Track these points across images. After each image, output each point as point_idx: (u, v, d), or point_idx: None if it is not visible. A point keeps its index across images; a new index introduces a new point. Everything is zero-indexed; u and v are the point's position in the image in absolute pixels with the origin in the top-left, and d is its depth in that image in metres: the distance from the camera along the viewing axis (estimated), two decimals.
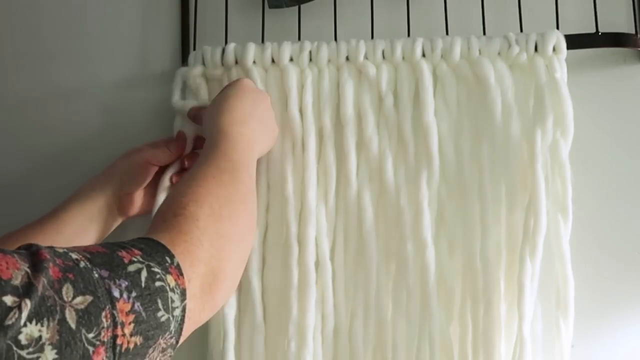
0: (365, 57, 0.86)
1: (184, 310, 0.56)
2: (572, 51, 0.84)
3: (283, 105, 0.87)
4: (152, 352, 0.53)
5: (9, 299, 0.45)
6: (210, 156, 0.72)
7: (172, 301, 0.55)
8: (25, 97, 0.97)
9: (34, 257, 0.49)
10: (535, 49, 0.83)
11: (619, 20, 0.88)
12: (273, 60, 0.87)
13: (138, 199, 0.85)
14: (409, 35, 0.89)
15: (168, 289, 0.55)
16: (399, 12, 0.91)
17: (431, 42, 0.85)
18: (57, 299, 0.48)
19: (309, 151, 0.84)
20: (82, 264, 0.51)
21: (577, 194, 0.81)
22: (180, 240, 0.60)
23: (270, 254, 0.85)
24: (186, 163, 0.86)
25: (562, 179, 0.81)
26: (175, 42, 0.95)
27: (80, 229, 0.81)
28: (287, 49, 0.86)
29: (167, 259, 0.57)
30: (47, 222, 0.81)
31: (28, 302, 0.46)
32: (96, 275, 0.51)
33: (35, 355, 0.45)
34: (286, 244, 0.83)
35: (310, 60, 0.87)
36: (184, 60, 0.92)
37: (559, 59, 0.83)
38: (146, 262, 0.55)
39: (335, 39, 0.89)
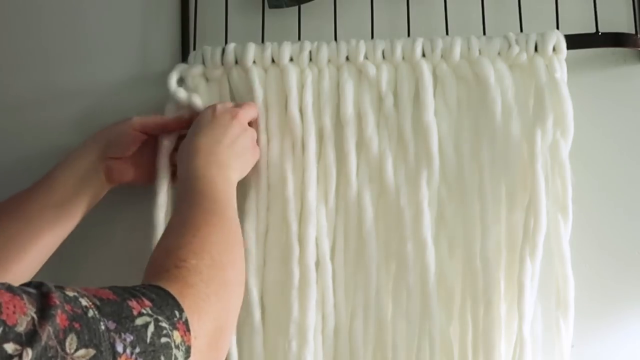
0: (365, 57, 0.86)
1: None
2: (572, 51, 0.84)
3: (283, 105, 0.87)
4: None
5: (10, 347, 0.45)
6: (192, 201, 0.71)
7: (176, 358, 0.54)
8: (25, 96, 0.97)
9: (44, 300, 0.48)
10: (535, 49, 0.83)
11: (619, 20, 0.88)
12: (273, 60, 0.87)
13: (125, 166, 0.85)
14: (409, 35, 0.89)
15: (173, 346, 0.54)
16: (399, 12, 0.91)
17: (431, 42, 0.85)
18: (59, 349, 0.47)
19: (309, 151, 0.84)
20: (90, 313, 0.50)
21: (577, 194, 0.81)
22: (188, 293, 0.59)
23: (270, 254, 0.85)
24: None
25: (562, 179, 0.81)
26: (175, 42, 0.95)
27: (70, 193, 0.81)
28: (287, 49, 0.86)
29: (176, 313, 0.56)
30: (37, 189, 0.81)
31: (30, 351, 0.45)
32: (103, 327, 0.50)
33: None
34: (286, 244, 0.83)
35: (310, 60, 0.87)
36: (184, 60, 0.92)
37: (559, 59, 0.83)
38: (155, 316, 0.54)
39: (335, 39, 0.89)
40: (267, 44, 0.87)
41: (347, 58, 0.86)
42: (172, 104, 0.88)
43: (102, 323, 0.50)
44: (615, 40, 0.86)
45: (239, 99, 0.89)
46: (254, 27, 0.92)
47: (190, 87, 0.89)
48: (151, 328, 0.53)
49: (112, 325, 0.51)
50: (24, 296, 0.48)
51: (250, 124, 0.84)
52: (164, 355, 0.53)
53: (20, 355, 0.45)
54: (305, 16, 0.91)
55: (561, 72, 0.83)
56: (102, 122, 0.88)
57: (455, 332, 0.81)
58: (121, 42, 0.96)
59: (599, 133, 0.87)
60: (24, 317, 0.46)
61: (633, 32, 0.87)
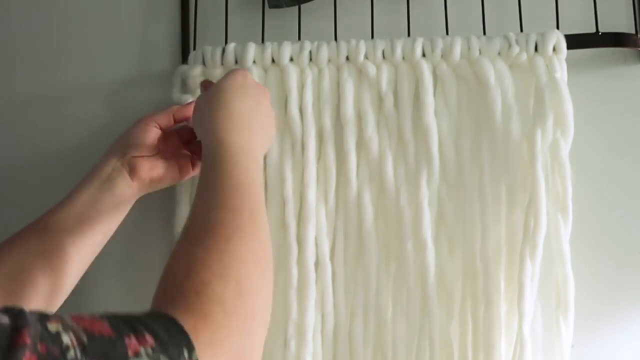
0: (365, 57, 0.86)
1: None
2: (572, 51, 0.84)
3: (283, 105, 0.87)
4: None
5: None
6: (221, 192, 0.63)
7: None
8: (25, 96, 0.97)
9: (12, 337, 0.41)
10: (536, 49, 0.83)
11: (619, 20, 0.88)
12: (273, 60, 0.87)
13: (152, 162, 0.81)
14: (409, 35, 0.89)
15: None
16: (399, 12, 0.91)
17: (431, 42, 0.85)
18: None
19: (309, 151, 0.84)
20: (70, 354, 0.42)
21: (577, 194, 0.81)
22: (205, 327, 0.50)
23: None
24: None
25: (562, 178, 0.81)
26: (175, 42, 0.95)
27: (92, 199, 0.77)
28: (287, 49, 0.86)
29: (185, 352, 0.48)
30: (60, 202, 0.78)
31: None
32: None
33: None
34: (286, 244, 0.83)
35: (310, 60, 0.87)
36: (184, 60, 0.92)
37: (559, 59, 0.83)
38: (156, 357, 0.46)
39: (335, 39, 0.89)
40: (267, 43, 0.88)
41: (347, 58, 0.86)
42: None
43: None
44: (615, 40, 0.86)
45: None
46: (254, 27, 0.92)
47: (190, 88, 0.89)
48: None
49: None
50: None
51: None
52: None
53: None
54: (305, 16, 0.91)
55: (561, 72, 0.83)
56: (102, 122, 0.89)
57: (455, 331, 0.81)
58: (121, 41, 0.96)
59: (599, 133, 0.87)
60: None
61: (633, 32, 0.87)
